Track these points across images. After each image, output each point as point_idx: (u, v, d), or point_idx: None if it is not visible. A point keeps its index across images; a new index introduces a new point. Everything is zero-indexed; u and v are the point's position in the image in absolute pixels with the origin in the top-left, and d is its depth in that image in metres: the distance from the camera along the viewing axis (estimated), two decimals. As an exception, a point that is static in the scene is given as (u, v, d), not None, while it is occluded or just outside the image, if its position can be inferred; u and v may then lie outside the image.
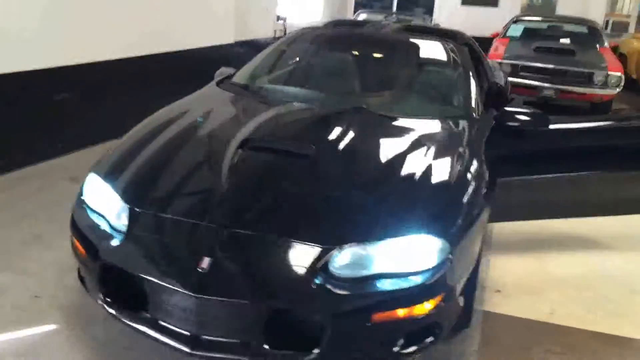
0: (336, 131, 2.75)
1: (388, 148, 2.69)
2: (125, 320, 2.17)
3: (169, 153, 2.56)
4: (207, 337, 2.04)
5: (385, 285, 2.08)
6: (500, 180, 3.18)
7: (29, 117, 4.49)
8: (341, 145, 2.64)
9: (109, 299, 2.20)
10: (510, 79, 8.05)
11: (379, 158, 2.60)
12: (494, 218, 3.33)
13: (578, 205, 3.47)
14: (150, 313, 2.13)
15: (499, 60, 8.24)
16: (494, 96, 4.29)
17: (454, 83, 3.52)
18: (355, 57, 3.71)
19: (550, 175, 3.33)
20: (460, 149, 2.72)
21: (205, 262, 2.03)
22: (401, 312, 2.08)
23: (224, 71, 3.78)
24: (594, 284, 3.40)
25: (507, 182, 3.23)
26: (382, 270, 2.10)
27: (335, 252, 2.08)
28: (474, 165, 2.66)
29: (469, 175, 2.57)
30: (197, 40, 6.83)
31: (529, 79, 8.15)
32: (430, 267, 2.13)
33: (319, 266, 2.05)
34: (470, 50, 4.26)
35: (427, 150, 2.62)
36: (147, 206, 2.27)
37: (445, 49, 3.73)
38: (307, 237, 2.12)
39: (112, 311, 2.19)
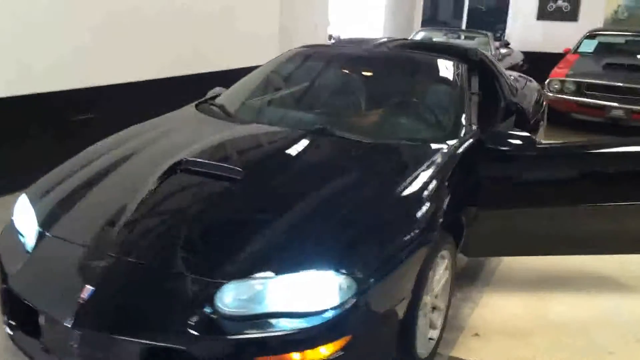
0: (279, 154, 2.60)
1: (322, 174, 2.51)
2: (22, 348, 2.12)
3: (99, 177, 2.50)
4: None
5: (276, 325, 1.89)
6: (482, 210, 2.91)
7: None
8: (274, 170, 2.48)
9: (12, 323, 2.16)
10: (573, 98, 7.57)
11: (306, 185, 2.41)
12: (475, 252, 3.05)
13: (573, 242, 3.09)
14: (42, 342, 2.06)
15: (561, 78, 7.70)
16: (510, 117, 3.98)
17: (438, 103, 3.25)
18: (340, 77, 3.54)
19: (535, 208, 2.99)
20: (408, 177, 2.48)
21: (87, 291, 1.94)
22: (293, 357, 1.88)
23: (216, 91, 3.72)
24: (595, 330, 2.98)
25: (488, 213, 2.94)
26: (275, 309, 1.91)
27: (224, 287, 1.92)
28: (420, 195, 2.41)
29: (405, 207, 2.33)
30: (240, 61, 6.88)
31: (596, 99, 7.55)
32: (330, 307, 1.92)
33: (203, 302, 1.90)
34: (482, 68, 3.96)
35: (362, 178, 2.42)
36: (52, 229, 2.22)
37: (439, 66, 3.46)
38: (195, 269, 1.97)
39: (13, 336, 2.15)
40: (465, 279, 3.41)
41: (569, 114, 7.98)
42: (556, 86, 7.75)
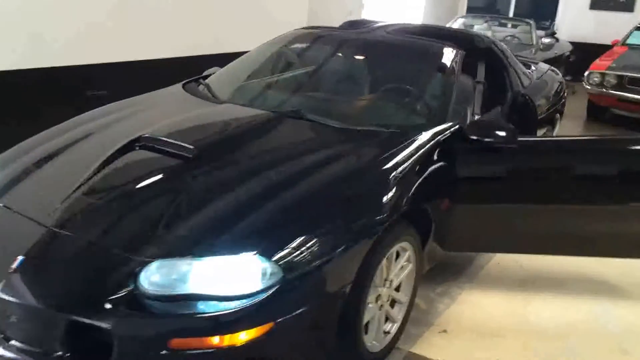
0: (241, 135, 2.57)
1: (277, 158, 2.44)
2: None
3: (60, 151, 2.52)
4: (14, 343, 1.97)
5: (197, 307, 1.86)
6: (460, 204, 2.79)
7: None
8: (229, 151, 2.44)
9: None
10: (614, 92, 7.19)
11: (256, 168, 2.35)
12: (452, 246, 2.93)
13: (555, 242, 2.93)
14: None
15: (602, 71, 7.33)
16: (516, 109, 3.81)
17: (422, 90, 3.12)
18: (327, 61, 3.43)
19: (513, 204, 2.85)
20: (367, 165, 2.41)
21: (17, 261, 1.96)
22: (207, 341, 1.84)
23: (212, 70, 3.70)
24: (576, 336, 2.82)
25: (465, 207, 2.82)
26: (198, 291, 1.88)
27: (149, 266, 1.90)
28: (373, 183, 2.33)
29: (351, 195, 2.24)
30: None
31: (638, 94, 7.14)
32: (253, 292, 1.88)
33: (128, 280, 1.89)
34: (490, 56, 3.80)
35: (316, 164, 2.35)
36: (3, 199, 2.25)
37: (429, 53, 3.31)
38: (123, 246, 1.96)
39: None
40: (449, 274, 3.30)
41: (609, 109, 7.60)
42: (596, 79, 7.37)
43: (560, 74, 5.16)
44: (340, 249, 2.06)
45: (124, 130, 2.63)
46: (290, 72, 3.40)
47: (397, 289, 2.58)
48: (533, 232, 2.92)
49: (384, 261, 2.32)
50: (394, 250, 2.39)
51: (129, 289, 1.87)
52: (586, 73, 7.48)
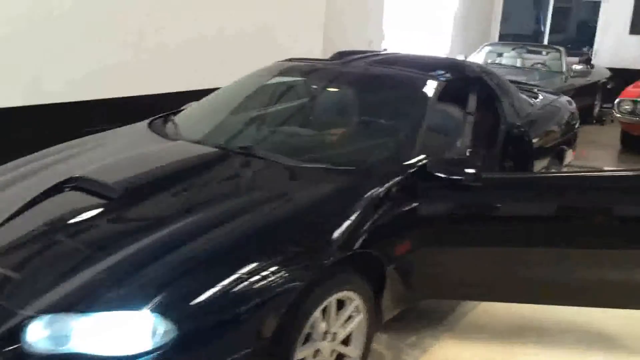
0: (176, 174, 2.42)
1: (201, 198, 2.29)
2: None
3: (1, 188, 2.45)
4: None
5: (80, 368, 1.70)
6: (421, 247, 2.56)
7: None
8: (156, 191, 2.28)
9: None
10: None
11: (176, 211, 2.18)
12: (418, 293, 2.69)
13: (528, 288, 2.65)
14: None
15: (634, 99, 6.91)
16: (510, 142, 3.55)
17: (386, 124, 2.92)
18: (296, 95, 3.28)
19: (474, 247, 2.59)
20: (301, 207, 2.22)
21: None
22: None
23: (187, 106, 3.60)
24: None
25: (430, 250, 2.59)
26: (83, 350, 1.72)
27: (33, 321, 1.75)
28: (304, 228, 2.14)
29: (274, 242, 2.04)
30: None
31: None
32: (142, 353, 1.70)
33: (11, 336, 1.74)
34: (482, 86, 3.56)
35: (247, 207, 2.17)
36: None
37: (401, 85, 3.11)
38: (11, 298, 1.83)
39: None
40: (427, 321, 3.03)
41: (641, 138, 7.16)
42: (627, 107, 6.95)
43: (574, 104, 4.83)
44: (254, 302, 1.87)
45: (61, 170, 2.53)
46: (259, 107, 3.24)
47: (347, 342, 2.36)
48: (504, 279, 2.65)
49: (317, 313, 2.11)
50: (331, 300, 2.17)
51: (11, 346, 1.73)
52: (616, 100, 7.07)
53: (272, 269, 1.94)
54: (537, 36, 11.33)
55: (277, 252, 2.00)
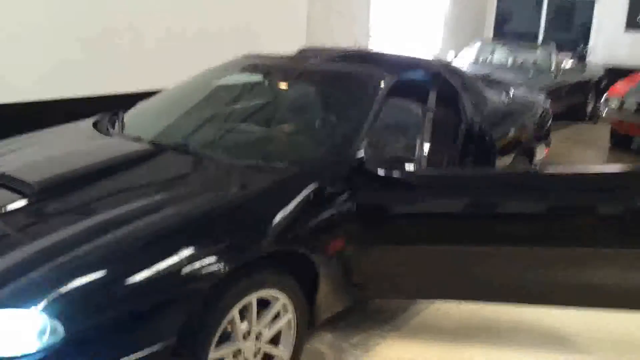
0: (101, 171, 2.37)
1: (120, 195, 2.23)
2: None
3: None
4: None
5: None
6: (357, 245, 2.51)
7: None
8: (74, 188, 2.24)
9: None
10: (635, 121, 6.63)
11: (89, 207, 2.14)
12: (359, 292, 2.64)
13: (469, 286, 2.58)
14: None
15: (620, 97, 6.79)
16: (471, 139, 3.49)
17: (327, 120, 2.86)
18: (247, 92, 3.21)
19: (412, 245, 2.53)
20: (219, 204, 2.17)
21: None
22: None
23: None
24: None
25: (367, 249, 2.53)
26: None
27: None
28: (219, 223, 2.08)
29: (184, 237, 1.98)
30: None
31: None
32: (26, 354, 1.65)
33: None
34: (441, 82, 3.50)
35: (165, 204, 2.12)
36: None
37: (348, 81, 3.05)
38: None
39: None
40: (376, 320, 2.97)
41: (631, 138, 7.03)
42: (613, 105, 6.83)
43: (545, 99, 4.74)
44: (158, 299, 1.82)
45: None
46: (206, 104, 3.19)
47: (276, 342, 2.31)
48: (444, 278, 2.59)
49: (234, 312, 2.05)
50: (251, 299, 2.12)
51: None
52: (603, 98, 6.97)
53: (181, 266, 1.89)
54: (533, 35, 11.19)
55: (187, 248, 1.94)
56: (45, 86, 4.50)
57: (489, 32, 11.44)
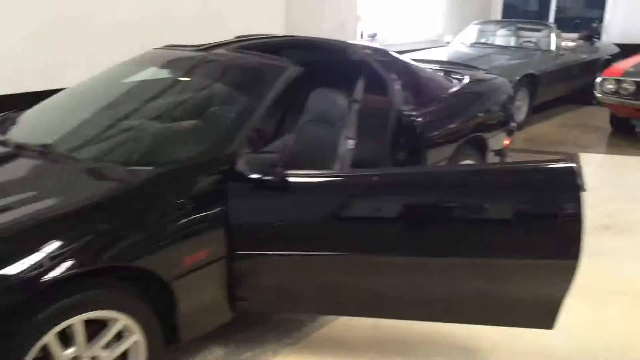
0: None
1: None
2: None
3: None
4: None
5: None
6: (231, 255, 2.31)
7: None
8: None
9: None
10: (632, 102, 6.18)
11: None
12: (243, 305, 2.44)
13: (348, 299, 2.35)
14: None
15: (617, 77, 6.34)
16: (399, 132, 3.23)
17: (208, 117, 2.64)
18: (143, 88, 3.00)
19: (297, 254, 2.32)
20: (54, 211, 1.99)
21: None
22: None
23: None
24: None
25: (235, 259, 2.32)
26: None
27: None
28: (37, 238, 1.89)
29: None
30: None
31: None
32: None
33: None
34: (367, 70, 3.23)
35: None
36: None
37: (240, 72, 2.82)
38: None
39: None
40: (273, 335, 2.75)
41: (629, 120, 6.57)
42: (610, 87, 6.38)
43: (510, 86, 4.39)
44: None
45: None
46: (95, 102, 2.98)
47: (126, 363, 2.13)
48: (328, 290, 2.38)
49: (49, 337, 1.86)
50: (74, 321, 1.92)
51: None
52: (598, 79, 6.51)
53: None
54: (545, 14, 10.62)
55: None
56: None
57: (497, 12, 10.92)
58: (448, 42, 8.24)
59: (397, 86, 3.31)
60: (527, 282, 2.25)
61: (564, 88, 7.79)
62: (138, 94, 2.95)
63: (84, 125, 2.73)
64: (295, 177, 2.28)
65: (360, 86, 3.23)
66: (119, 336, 2.09)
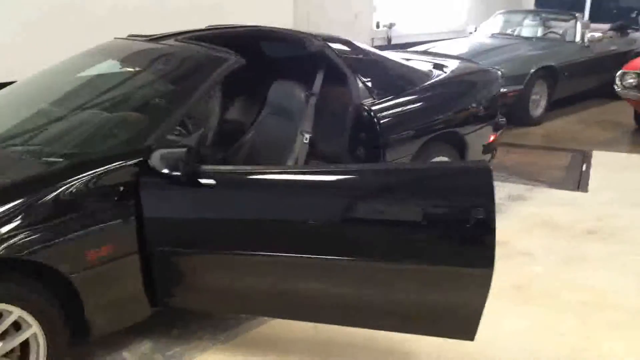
0: None
1: None
2: None
3: None
4: None
5: None
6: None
7: None
8: None
9: None
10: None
11: None
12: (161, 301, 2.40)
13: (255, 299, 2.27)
14: None
15: (637, 71, 5.97)
16: (360, 127, 3.12)
17: (134, 110, 2.58)
18: (90, 80, 2.95)
19: (210, 252, 2.27)
20: None
21: None
22: None
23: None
24: None
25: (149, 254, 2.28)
26: None
27: None
28: None
29: None
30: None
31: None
32: None
33: None
34: (325, 62, 3.12)
35: None
36: None
37: (178, 63, 2.76)
38: None
39: None
40: (205, 332, 2.69)
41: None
42: (631, 81, 6.02)
43: (499, 80, 4.16)
44: None
45: None
46: (43, 93, 2.97)
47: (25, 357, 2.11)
48: (243, 289, 2.33)
49: None
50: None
51: None
52: (618, 73, 6.15)
53: None
54: (581, 4, 10.11)
55: None
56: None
57: (530, 1, 10.49)
58: (471, 33, 7.94)
59: (357, 79, 3.19)
60: (444, 291, 2.11)
61: (589, 82, 7.39)
62: (80, 87, 2.92)
63: (20, 117, 2.73)
64: (207, 173, 2.21)
65: (318, 79, 3.13)
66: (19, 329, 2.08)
